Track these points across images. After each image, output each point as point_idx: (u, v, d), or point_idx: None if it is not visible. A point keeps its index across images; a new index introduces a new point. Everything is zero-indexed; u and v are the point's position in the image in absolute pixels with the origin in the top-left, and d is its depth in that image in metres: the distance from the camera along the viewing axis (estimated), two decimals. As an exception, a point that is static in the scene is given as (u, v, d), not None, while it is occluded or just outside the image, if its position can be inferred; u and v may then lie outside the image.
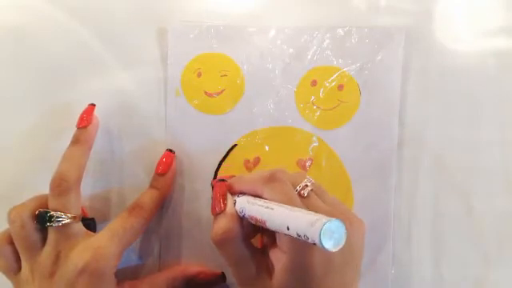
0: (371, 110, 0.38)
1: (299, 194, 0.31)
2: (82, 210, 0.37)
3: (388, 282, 0.37)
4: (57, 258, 0.32)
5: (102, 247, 0.32)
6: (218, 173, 0.38)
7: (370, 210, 0.37)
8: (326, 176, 0.38)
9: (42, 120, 0.40)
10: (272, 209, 0.27)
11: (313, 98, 0.38)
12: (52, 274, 0.32)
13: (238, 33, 0.39)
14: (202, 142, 0.39)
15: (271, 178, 0.30)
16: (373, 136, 0.38)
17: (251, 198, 0.31)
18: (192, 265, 0.38)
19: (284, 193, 0.29)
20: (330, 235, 0.23)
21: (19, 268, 0.33)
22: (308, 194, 0.31)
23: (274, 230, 0.27)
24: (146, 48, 0.39)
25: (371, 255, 0.37)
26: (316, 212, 0.26)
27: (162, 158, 0.37)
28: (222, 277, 0.37)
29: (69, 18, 0.40)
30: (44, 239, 0.33)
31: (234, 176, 0.35)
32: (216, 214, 0.31)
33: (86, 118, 0.36)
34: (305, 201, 0.30)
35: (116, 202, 0.39)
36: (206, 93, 0.39)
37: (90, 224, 0.37)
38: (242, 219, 0.31)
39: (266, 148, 0.38)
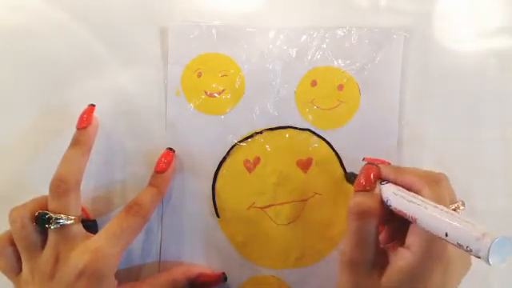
0: (371, 110, 0.38)
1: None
2: (84, 211, 0.37)
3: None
4: (56, 260, 0.32)
5: (100, 248, 0.32)
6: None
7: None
8: (326, 176, 0.38)
9: (41, 120, 0.40)
10: (426, 208, 0.27)
11: (313, 98, 0.38)
12: (52, 276, 0.31)
13: (239, 33, 0.39)
14: (201, 142, 0.39)
15: (438, 180, 0.30)
16: (373, 136, 0.38)
17: (399, 190, 0.30)
18: (193, 265, 0.38)
19: (446, 200, 0.29)
20: (497, 251, 0.22)
21: (20, 269, 0.33)
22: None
23: (425, 229, 0.27)
24: (146, 48, 0.39)
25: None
26: None
27: (161, 156, 0.37)
28: (223, 277, 0.37)
29: (69, 17, 0.40)
30: (45, 241, 0.33)
31: (385, 163, 0.34)
32: (361, 190, 0.31)
33: (86, 119, 0.36)
34: None
35: (117, 202, 0.39)
36: (206, 93, 0.39)
37: (92, 225, 0.36)
38: (384, 205, 0.30)
39: (267, 148, 0.38)
